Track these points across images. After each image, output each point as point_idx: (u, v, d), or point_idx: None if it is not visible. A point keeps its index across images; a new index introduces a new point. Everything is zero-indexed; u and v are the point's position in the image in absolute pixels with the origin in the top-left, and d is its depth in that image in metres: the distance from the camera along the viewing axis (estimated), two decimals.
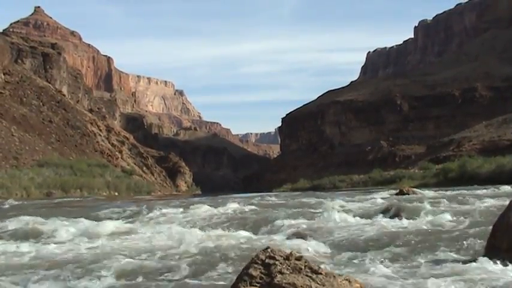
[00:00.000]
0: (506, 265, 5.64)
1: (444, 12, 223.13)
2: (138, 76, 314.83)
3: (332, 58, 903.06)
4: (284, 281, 4.11)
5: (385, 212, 12.39)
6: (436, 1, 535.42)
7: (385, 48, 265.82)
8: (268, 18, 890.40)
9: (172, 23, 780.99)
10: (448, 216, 10.61)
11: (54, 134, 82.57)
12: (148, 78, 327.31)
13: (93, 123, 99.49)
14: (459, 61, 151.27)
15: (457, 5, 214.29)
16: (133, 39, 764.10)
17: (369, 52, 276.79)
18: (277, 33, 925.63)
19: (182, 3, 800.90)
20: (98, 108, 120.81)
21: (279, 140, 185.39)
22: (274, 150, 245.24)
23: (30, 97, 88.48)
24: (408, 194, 22.04)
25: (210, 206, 16.35)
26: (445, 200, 16.60)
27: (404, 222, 10.28)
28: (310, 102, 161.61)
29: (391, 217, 11.31)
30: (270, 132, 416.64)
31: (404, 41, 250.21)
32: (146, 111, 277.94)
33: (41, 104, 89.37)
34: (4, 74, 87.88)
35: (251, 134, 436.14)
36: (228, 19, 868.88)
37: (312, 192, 44.18)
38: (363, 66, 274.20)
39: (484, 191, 23.31)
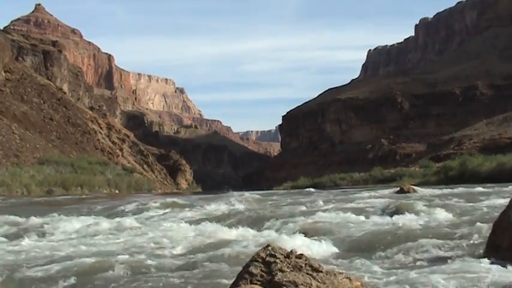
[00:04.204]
0: (507, 263, 5.64)
1: (445, 10, 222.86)
2: (139, 74, 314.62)
3: (333, 56, 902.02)
4: (285, 279, 4.11)
5: (385, 210, 12.40)
6: None
7: (386, 46, 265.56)
8: (270, 17, 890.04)
9: (173, 21, 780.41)
10: (448, 215, 10.62)
11: (54, 131, 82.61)
12: (149, 76, 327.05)
13: (93, 121, 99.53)
14: (460, 59, 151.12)
15: (457, 3, 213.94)
16: (134, 36, 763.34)
17: (370, 50, 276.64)
18: (279, 31, 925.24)
19: (183, 1, 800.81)
20: (98, 106, 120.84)
21: (280, 138, 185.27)
22: (275, 148, 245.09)
23: (30, 95, 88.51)
24: (409, 192, 22.01)
25: None
26: (445, 198, 16.61)
27: (405, 220, 10.28)
28: (310, 100, 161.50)
29: (391, 215, 11.31)
30: (270, 130, 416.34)
31: (405, 39, 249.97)
32: (147, 109, 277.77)
33: (41, 101, 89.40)
34: (5, 72, 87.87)
35: (252, 132, 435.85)
36: (229, 17, 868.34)
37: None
38: (363, 65, 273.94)
39: (485, 189, 23.30)
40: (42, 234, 10.45)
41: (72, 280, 5.96)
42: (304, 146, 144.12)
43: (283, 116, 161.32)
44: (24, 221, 12.55)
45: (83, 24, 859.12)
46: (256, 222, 11.05)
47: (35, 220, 12.50)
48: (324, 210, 12.70)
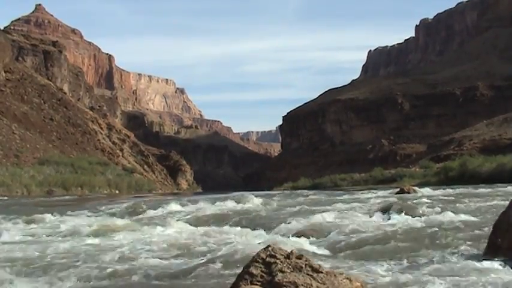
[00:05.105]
0: (507, 264, 5.64)
1: (445, 11, 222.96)
2: (139, 74, 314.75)
3: (334, 57, 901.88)
4: (285, 279, 4.11)
5: (385, 210, 12.39)
6: (437, 0, 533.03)
7: (386, 47, 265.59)
8: (270, 17, 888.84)
9: (174, 21, 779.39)
10: (448, 215, 10.62)
11: (55, 131, 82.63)
12: (149, 76, 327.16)
13: (94, 121, 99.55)
14: (460, 60, 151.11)
15: (458, 4, 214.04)
16: (134, 37, 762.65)
17: (370, 51, 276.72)
18: (279, 32, 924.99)
19: (184, 1, 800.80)
20: (98, 106, 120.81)
21: (280, 138, 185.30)
22: (275, 149, 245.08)
23: (31, 95, 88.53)
24: (409, 193, 22.01)
25: None
26: (445, 198, 16.61)
27: (405, 220, 10.28)
28: (311, 101, 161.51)
29: (392, 216, 11.31)
30: (271, 131, 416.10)
31: (405, 40, 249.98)
32: (147, 109, 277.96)
33: (42, 101, 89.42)
34: (5, 72, 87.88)
35: (252, 132, 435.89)
36: (230, 17, 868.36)
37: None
38: (364, 65, 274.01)
39: (485, 189, 23.30)
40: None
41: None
42: (305, 146, 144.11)
43: (283, 117, 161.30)
44: None
45: (83, 24, 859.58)
46: (256, 223, 11.05)
47: None
48: (324, 211, 12.69)
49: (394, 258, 6.62)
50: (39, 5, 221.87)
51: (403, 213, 11.45)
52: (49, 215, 13.90)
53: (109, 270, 6.41)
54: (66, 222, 12.31)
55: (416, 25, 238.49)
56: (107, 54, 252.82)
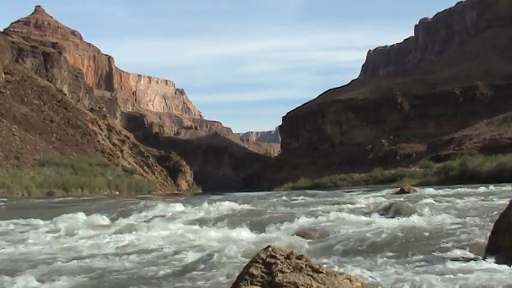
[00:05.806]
0: (508, 264, 5.64)
1: (445, 10, 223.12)
2: (139, 75, 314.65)
3: (334, 57, 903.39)
4: (285, 280, 4.11)
5: (385, 210, 12.38)
6: (437, 0, 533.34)
7: (386, 46, 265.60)
8: (270, 18, 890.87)
9: (173, 22, 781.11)
10: (448, 215, 10.62)
11: (55, 133, 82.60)
12: (149, 77, 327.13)
13: (94, 122, 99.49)
14: (460, 59, 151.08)
15: (457, 3, 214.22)
16: (134, 38, 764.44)
17: (370, 51, 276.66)
18: (279, 32, 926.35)
19: (183, 2, 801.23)
20: (98, 108, 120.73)
21: (280, 138, 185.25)
22: (275, 149, 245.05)
23: (31, 96, 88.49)
24: (409, 193, 22.03)
25: None
26: (445, 198, 16.61)
27: (405, 220, 10.28)
28: (310, 101, 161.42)
29: (392, 216, 11.30)
30: (270, 131, 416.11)
31: (405, 40, 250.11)
32: (147, 110, 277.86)
33: (41, 103, 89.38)
34: (5, 74, 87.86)
35: (252, 133, 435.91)
36: (230, 18, 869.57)
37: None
38: (363, 65, 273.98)
39: (485, 189, 23.30)
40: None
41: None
42: (304, 146, 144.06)
43: (283, 117, 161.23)
44: None
45: (82, 25, 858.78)
46: (255, 224, 11.03)
47: None
48: (323, 211, 12.69)
49: (394, 258, 6.61)
50: (39, 6, 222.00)
51: (402, 213, 11.44)
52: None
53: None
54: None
55: (416, 25, 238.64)
56: (107, 55, 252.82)
